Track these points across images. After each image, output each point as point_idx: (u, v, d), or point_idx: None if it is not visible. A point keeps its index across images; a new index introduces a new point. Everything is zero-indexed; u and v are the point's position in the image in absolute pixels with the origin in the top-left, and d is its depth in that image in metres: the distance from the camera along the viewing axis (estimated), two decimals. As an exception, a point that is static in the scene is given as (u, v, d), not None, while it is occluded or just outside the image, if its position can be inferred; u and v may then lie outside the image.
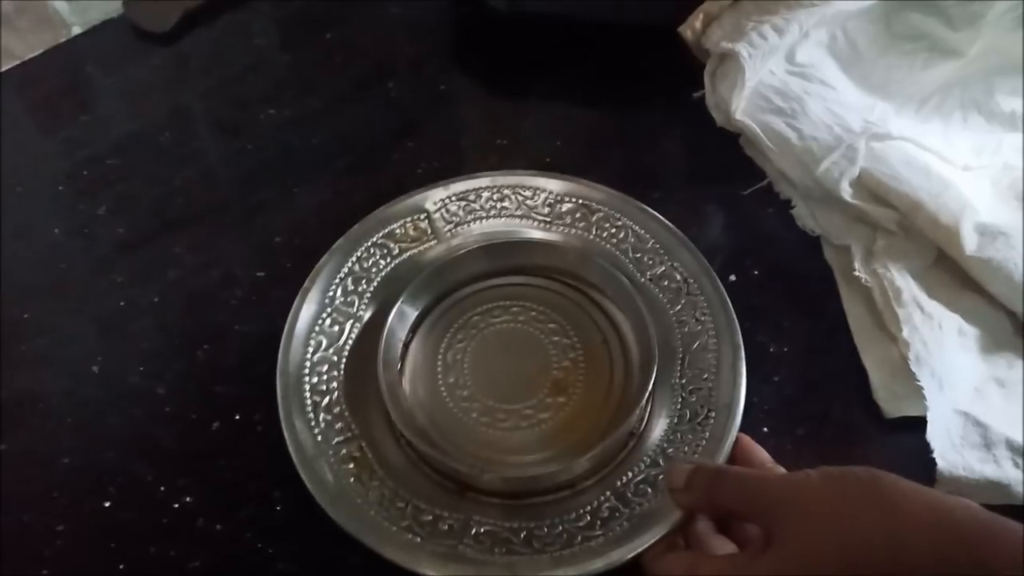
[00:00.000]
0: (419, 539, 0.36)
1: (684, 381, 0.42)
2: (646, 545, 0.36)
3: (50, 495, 0.40)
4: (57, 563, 0.37)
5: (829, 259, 0.49)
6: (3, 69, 0.61)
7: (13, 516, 0.39)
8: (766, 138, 0.49)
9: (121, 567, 0.37)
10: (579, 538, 0.37)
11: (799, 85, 0.51)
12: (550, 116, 0.58)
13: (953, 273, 0.47)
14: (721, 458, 0.39)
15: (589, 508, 0.38)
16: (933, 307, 0.45)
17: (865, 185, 0.48)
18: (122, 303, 0.47)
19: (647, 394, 0.40)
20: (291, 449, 0.39)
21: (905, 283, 0.45)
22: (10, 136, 0.56)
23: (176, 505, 0.39)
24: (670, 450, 0.40)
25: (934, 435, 0.40)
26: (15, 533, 0.38)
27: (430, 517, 0.37)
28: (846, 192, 0.47)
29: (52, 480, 0.40)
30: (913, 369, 0.42)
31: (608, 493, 0.38)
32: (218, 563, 0.38)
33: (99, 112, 0.59)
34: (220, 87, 0.61)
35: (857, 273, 0.46)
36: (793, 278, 0.49)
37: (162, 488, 0.40)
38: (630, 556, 0.36)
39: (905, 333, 0.43)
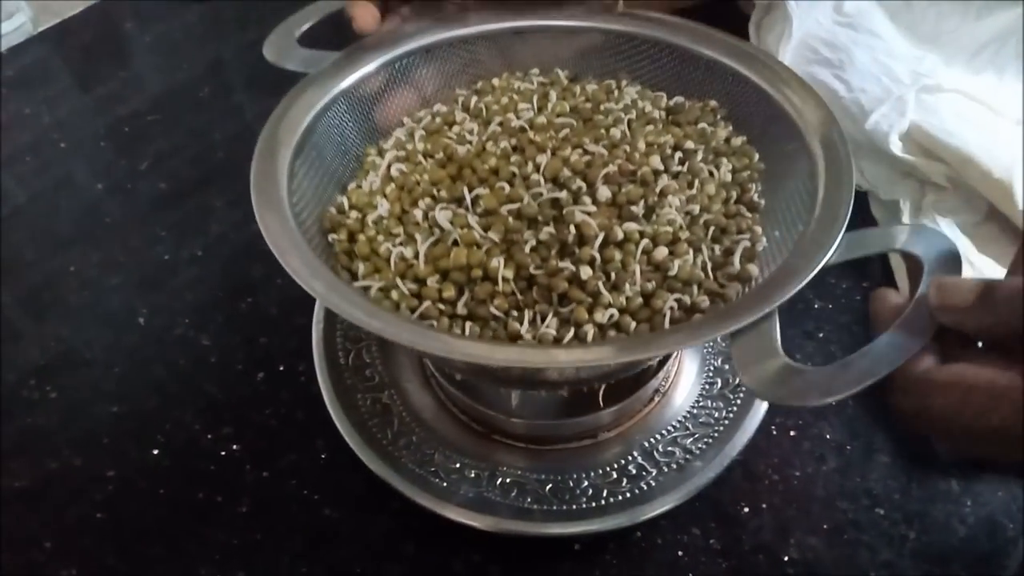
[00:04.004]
0: (446, 484, 0.37)
1: (716, 351, 0.42)
2: (672, 505, 0.36)
3: (100, 441, 0.41)
4: (109, 505, 0.38)
5: (877, 214, 0.48)
6: (44, 27, 0.61)
7: (64, 459, 0.40)
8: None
9: (170, 511, 0.38)
10: (604, 492, 0.37)
11: (847, 35, 0.50)
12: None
13: (1004, 228, 0.45)
14: (751, 429, 0.38)
15: (616, 465, 0.38)
16: (984, 263, 0.44)
17: (915, 138, 0.47)
18: (166, 256, 0.48)
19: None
20: (325, 396, 0.39)
21: (955, 238, 0.44)
22: (52, 93, 0.57)
23: (223, 453, 0.40)
24: (700, 417, 0.40)
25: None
26: (68, 475, 0.39)
27: (457, 464, 0.38)
28: (895, 146, 0.46)
29: (101, 428, 0.41)
30: (962, 325, 0.41)
31: (635, 453, 0.38)
32: (264, 508, 0.38)
33: (138, 68, 0.59)
34: (256, 42, 0.60)
35: (905, 228, 0.45)
36: (838, 234, 0.48)
37: (209, 436, 0.40)
38: (655, 514, 0.36)
39: (954, 289, 0.42)
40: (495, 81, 0.42)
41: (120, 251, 0.48)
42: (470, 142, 0.37)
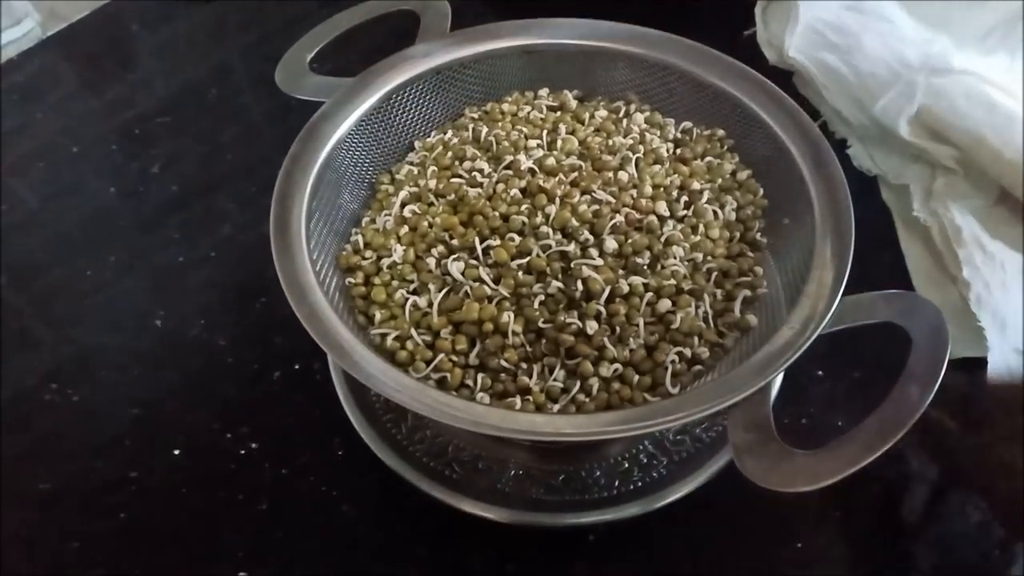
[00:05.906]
0: (460, 477, 0.37)
1: None
2: (684, 493, 0.37)
3: (121, 444, 0.41)
4: (132, 507, 0.39)
5: (886, 200, 0.48)
6: (51, 32, 0.61)
7: (87, 462, 0.40)
8: (820, 76, 0.48)
9: (192, 510, 0.39)
10: (616, 482, 0.37)
11: (855, 20, 0.49)
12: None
13: (1016, 212, 0.45)
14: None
15: (627, 455, 0.38)
16: (995, 247, 0.44)
17: (924, 122, 0.46)
18: (180, 259, 0.48)
19: None
20: (340, 394, 0.40)
21: (966, 222, 0.44)
22: (62, 97, 0.57)
23: (242, 452, 0.40)
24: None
25: (995, 376, 0.40)
26: (91, 477, 0.40)
27: (470, 458, 0.38)
28: (904, 130, 0.46)
29: (121, 430, 0.42)
30: (974, 310, 0.41)
31: (646, 442, 0.39)
32: (283, 506, 0.39)
33: (146, 71, 0.60)
34: (261, 43, 0.61)
35: (916, 213, 0.45)
36: (848, 220, 0.47)
37: (227, 436, 0.41)
38: (667, 502, 0.37)
39: (966, 274, 0.42)
40: (504, 106, 0.42)
41: (133, 254, 0.49)
42: (481, 184, 0.38)
